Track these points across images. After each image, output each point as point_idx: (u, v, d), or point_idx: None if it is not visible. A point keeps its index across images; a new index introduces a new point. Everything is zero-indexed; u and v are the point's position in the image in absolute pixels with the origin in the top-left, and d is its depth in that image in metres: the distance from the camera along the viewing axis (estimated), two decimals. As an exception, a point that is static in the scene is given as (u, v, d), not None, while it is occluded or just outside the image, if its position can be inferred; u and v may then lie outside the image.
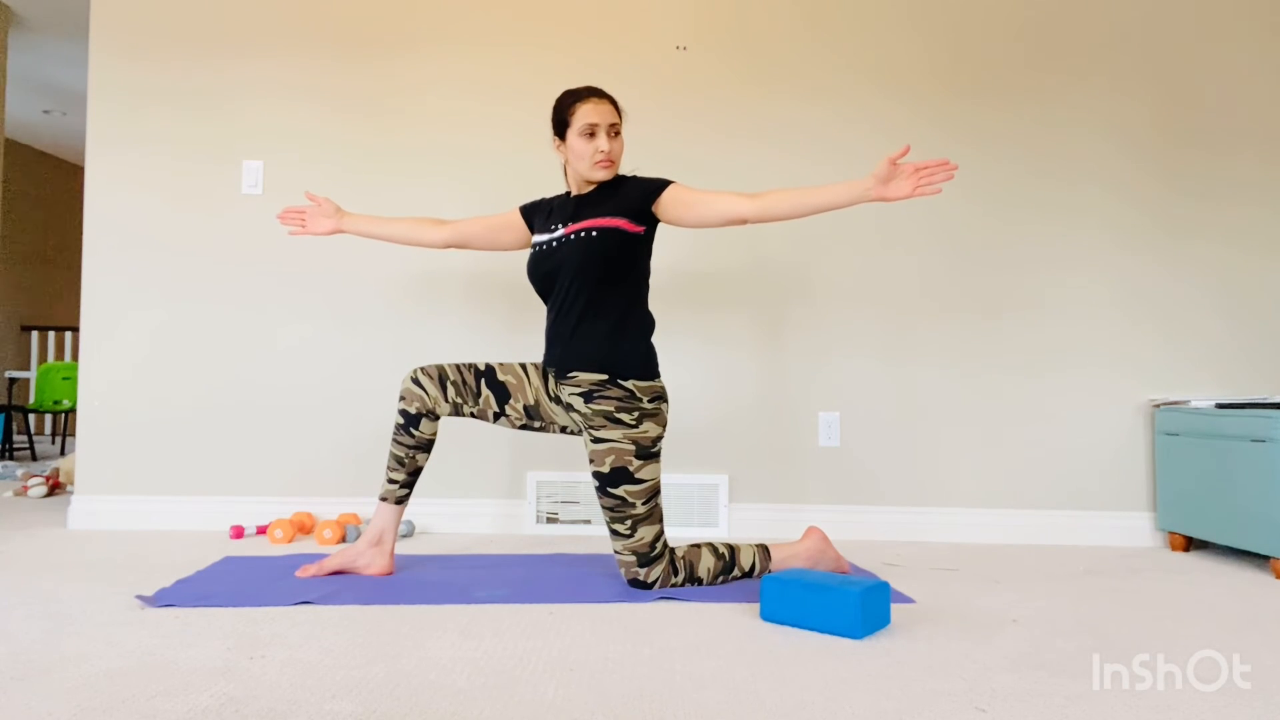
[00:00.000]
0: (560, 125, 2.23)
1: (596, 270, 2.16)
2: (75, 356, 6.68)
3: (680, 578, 2.16)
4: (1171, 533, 2.94)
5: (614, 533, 2.16)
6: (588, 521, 3.02)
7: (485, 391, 2.26)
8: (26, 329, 7.29)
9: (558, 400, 2.28)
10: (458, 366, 2.27)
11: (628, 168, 2.32)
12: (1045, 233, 3.12)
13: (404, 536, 2.85)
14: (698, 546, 2.22)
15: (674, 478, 2.97)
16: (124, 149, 3.08)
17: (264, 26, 3.13)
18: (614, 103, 2.23)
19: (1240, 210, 3.12)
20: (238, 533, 2.84)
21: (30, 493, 3.74)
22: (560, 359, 2.22)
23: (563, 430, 2.31)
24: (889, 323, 3.11)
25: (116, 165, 3.08)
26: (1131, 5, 3.16)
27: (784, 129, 3.13)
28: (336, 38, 3.13)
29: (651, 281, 2.32)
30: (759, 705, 1.39)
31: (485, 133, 3.12)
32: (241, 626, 1.77)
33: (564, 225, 2.24)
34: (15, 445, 6.09)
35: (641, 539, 2.14)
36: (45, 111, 6.65)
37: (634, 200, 2.19)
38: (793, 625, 1.84)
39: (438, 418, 2.24)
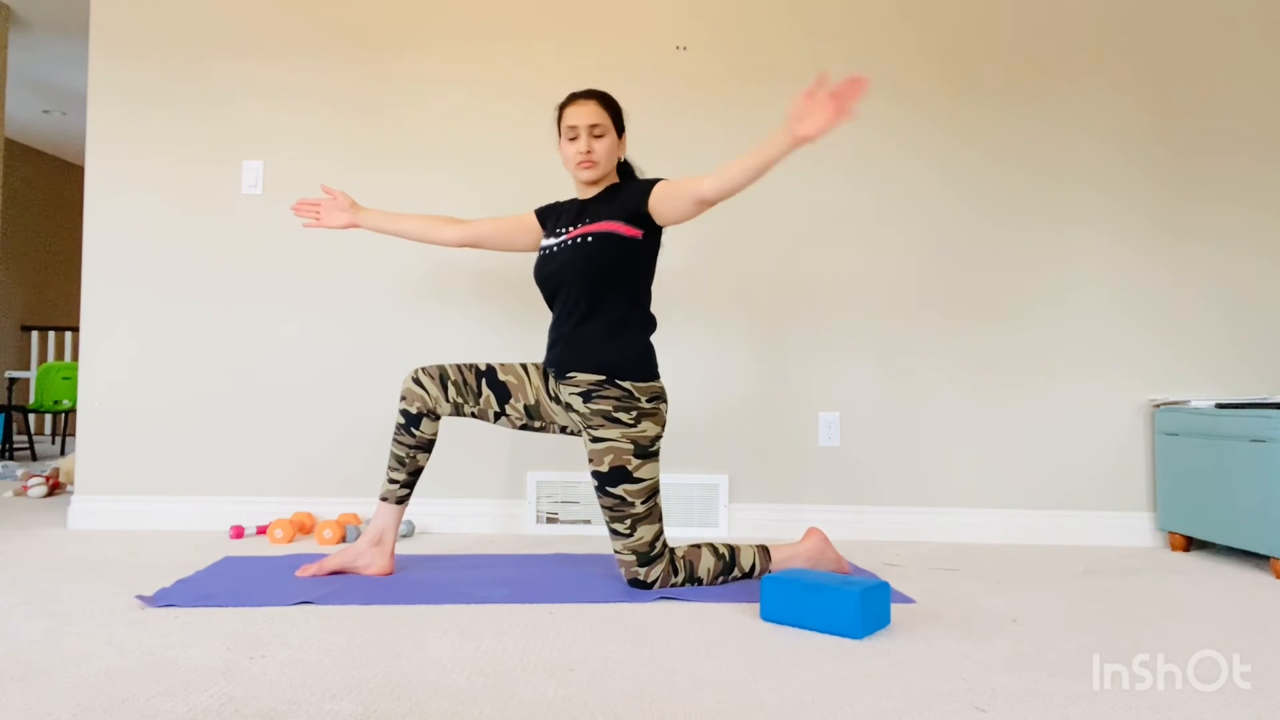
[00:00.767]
0: (557, 133, 2.28)
1: (593, 274, 2.17)
2: (75, 356, 6.68)
3: (680, 578, 2.17)
4: (1171, 533, 2.94)
5: (614, 532, 2.16)
6: (588, 521, 3.02)
7: (486, 391, 2.26)
8: (26, 329, 7.29)
9: (557, 400, 2.28)
10: (459, 367, 2.27)
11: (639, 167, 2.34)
12: (1045, 233, 3.12)
13: (404, 536, 2.85)
14: (698, 547, 2.22)
15: (674, 478, 2.97)
16: (124, 149, 3.08)
17: (264, 26, 3.13)
18: (604, 102, 2.23)
19: (1240, 211, 3.12)
20: (238, 533, 2.84)
21: (30, 493, 3.74)
22: (559, 359, 2.23)
23: (562, 430, 2.31)
24: (889, 323, 3.11)
25: (116, 165, 3.08)
26: (1132, 7, 3.16)
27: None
28: (336, 37, 3.13)
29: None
30: (759, 705, 1.39)
31: (485, 132, 3.12)
32: (241, 626, 1.77)
33: (567, 229, 2.27)
34: (15, 445, 6.09)
35: (641, 538, 2.14)
36: (45, 111, 6.65)
37: (630, 203, 2.20)
38: (793, 625, 1.84)
39: (439, 418, 2.24)
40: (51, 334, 6.80)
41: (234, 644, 1.65)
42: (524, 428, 2.32)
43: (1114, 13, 3.16)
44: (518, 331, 3.05)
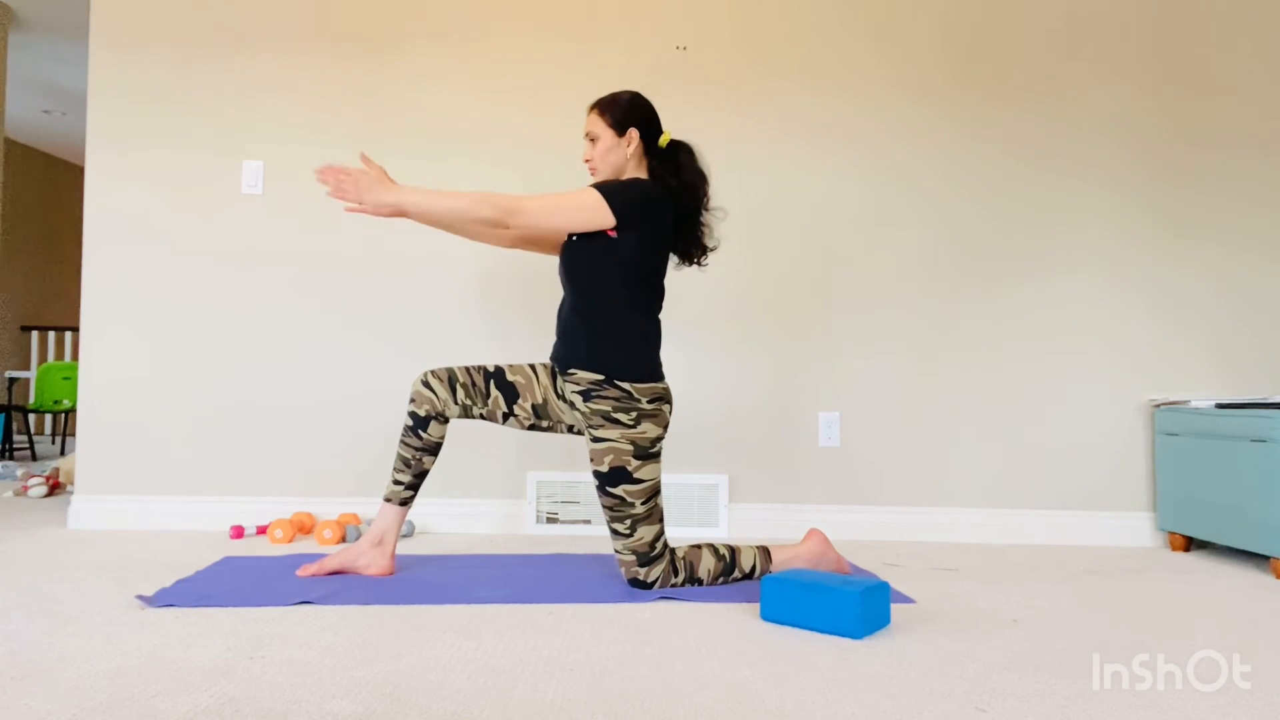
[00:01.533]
0: None
1: (574, 273, 2.24)
2: (75, 356, 6.68)
3: (680, 578, 2.17)
4: (1171, 533, 2.94)
5: (614, 532, 2.16)
6: (588, 521, 3.02)
7: (494, 392, 2.26)
8: (26, 329, 7.29)
9: (563, 397, 2.28)
10: (467, 369, 2.28)
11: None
12: (1046, 232, 3.12)
13: (404, 536, 2.85)
14: (698, 547, 2.22)
15: (674, 478, 2.97)
16: (124, 148, 3.08)
17: (264, 24, 3.12)
18: (599, 108, 2.28)
19: (1242, 210, 3.12)
20: (238, 533, 2.84)
21: (30, 493, 3.74)
22: (560, 354, 2.26)
23: (570, 429, 2.31)
24: (889, 322, 3.11)
25: (116, 165, 3.08)
26: (1135, 3, 3.16)
27: (786, 127, 3.13)
28: (336, 34, 3.13)
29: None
30: (759, 705, 1.39)
31: (486, 131, 3.12)
32: (241, 626, 1.77)
33: None
34: (15, 445, 6.09)
35: (641, 539, 2.14)
36: (45, 111, 6.66)
37: None
38: (793, 625, 1.84)
39: (447, 420, 2.25)
40: (51, 334, 6.80)
41: (234, 644, 1.65)
42: (532, 428, 2.32)
43: (1117, 10, 3.16)
44: (522, 332, 3.04)
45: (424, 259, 3.07)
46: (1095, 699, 1.45)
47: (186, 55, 3.10)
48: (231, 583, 2.16)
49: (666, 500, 2.96)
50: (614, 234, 2.18)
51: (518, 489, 3.06)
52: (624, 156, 2.26)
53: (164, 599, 1.96)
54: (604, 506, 2.17)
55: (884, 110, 3.14)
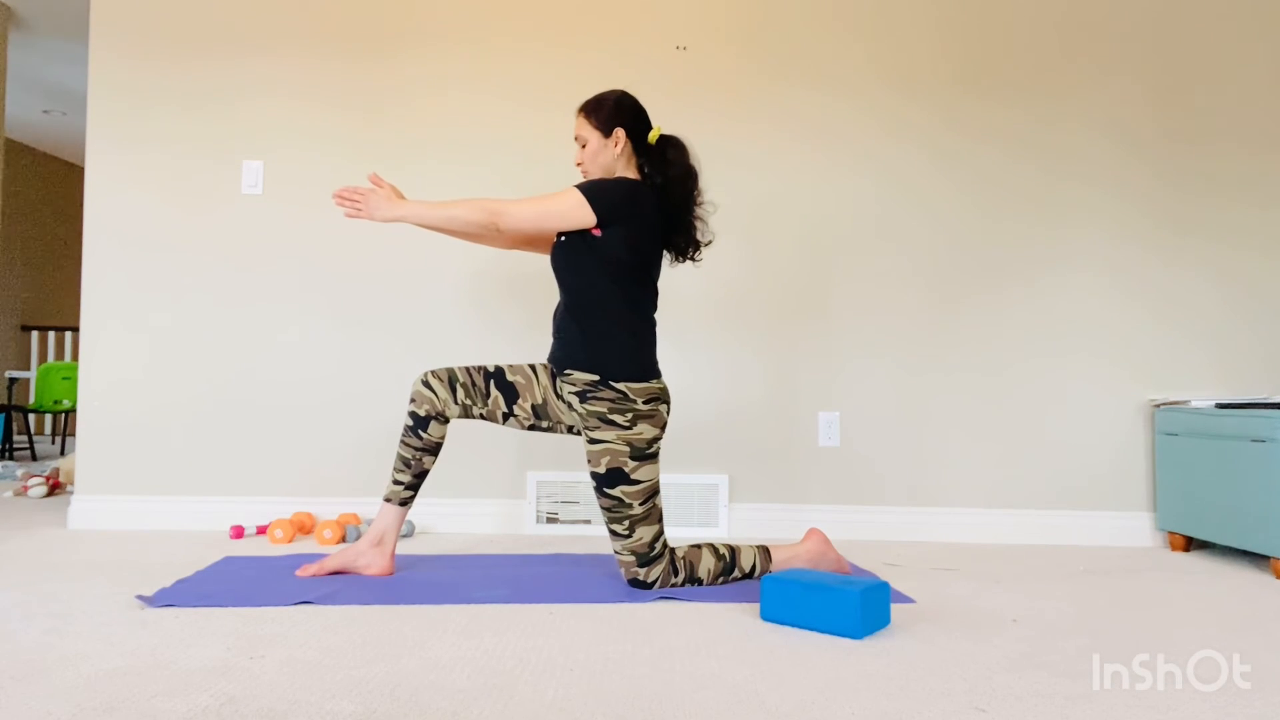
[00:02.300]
0: None
1: (563, 273, 2.26)
2: (75, 356, 6.68)
3: (680, 578, 2.17)
4: (1171, 533, 2.94)
5: (613, 533, 2.16)
6: (588, 521, 3.02)
7: (494, 392, 2.26)
8: (26, 329, 7.29)
9: (562, 398, 2.28)
10: (467, 369, 2.28)
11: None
12: (1045, 231, 3.12)
13: (404, 536, 2.85)
14: (698, 547, 2.22)
15: (674, 478, 2.97)
16: (124, 149, 3.08)
17: (264, 25, 3.12)
18: (585, 110, 2.30)
19: (1241, 209, 3.12)
20: (238, 533, 2.84)
21: (30, 493, 3.74)
22: (556, 355, 2.26)
23: (570, 430, 2.31)
24: (889, 322, 3.11)
25: (116, 165, 3.08)
26: (1137, 5, 3.16)
27: (786, 127, 3.13)
28: (336, 36, 3.13)
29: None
30: (759, 705, 1.39)
31: (486, 131, 3.12)
32: (241, 626, 1.77)
33: None
34: (15, 445, 6.09)
35: (640, 539, 2.14)
36: (45, 111, 6.65)
37: None
38: (793, 625, 1.84)
39: (447, 420, 2.25)
40: (51, 334, 6.80)
41: (234, 644, 1.65)
42: (532, 428, 2.32)
43: (1115, 10, 3.16)
44: (522, 332, 3.04)
45: (424, 259, 3.07)
46: (1095, 699, 1.45)
47: (187, 55, 3.10)
48: (231, 583, 2.16)
49: (666, 500, 2.96)
50: (598, 232, 2.18)
51: (518, 489, 3.06)
52: (612, 156, 2.27)
53: (164, 599, 1.96)
54: (602, 508, 2.17)
55: (884, 110, 3.14)
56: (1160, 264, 3.12)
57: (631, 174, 2.29)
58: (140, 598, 1.96)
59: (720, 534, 3.03)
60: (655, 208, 2.23)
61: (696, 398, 3.05)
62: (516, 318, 3.06)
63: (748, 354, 3.11)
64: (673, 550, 2.20)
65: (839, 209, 3.13)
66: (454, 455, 2.95)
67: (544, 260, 2.65)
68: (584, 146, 2.29)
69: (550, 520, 3.04)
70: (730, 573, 2.22)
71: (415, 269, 3.08)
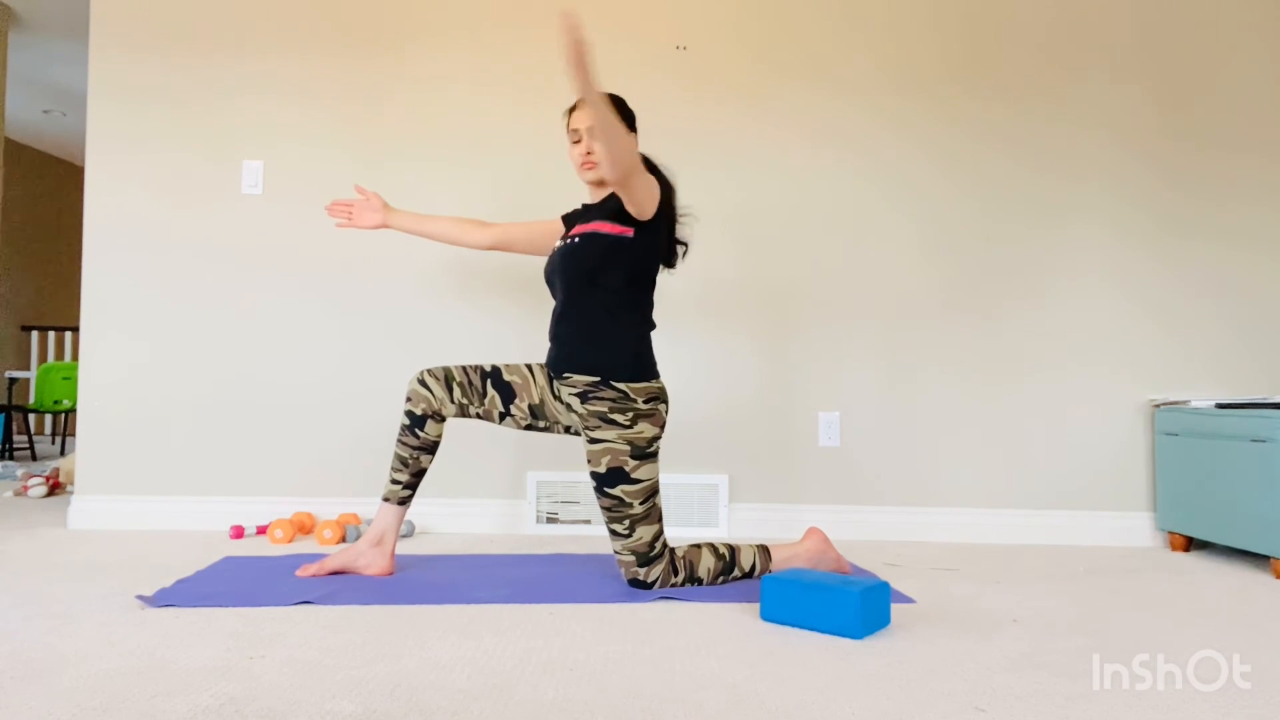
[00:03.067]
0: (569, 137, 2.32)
1: (577, 275, 2.21)
2: (75, 356, 6.68)
3: (680, 578, 2.17)
4: (1171, 533, 2.94)
5: (613, 533, 2.16)
6: (588, 521, 3.02)
7: (491, 392, 2.26)
8: (26, 329, 7.29)
9: (560, 400, 2.28)
10: (464, 368, 2.28)
11: None
12: (1046, 232, 3.12)
13: (404, 536, 2.85)
14: (698, 547, 2.22)
15: (674, 478, 2.97)
16: (124, 149, 3.08)
17: (264, 25, 3.12)
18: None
19: (1242, 210, 3.12)
20: (238, 533, 2.84)
21: (30, 493, 3.74)
22: (555, 359, 2.25)
23: (566, 430, 2.32)
24: (889, 322, 3.11)
25: (116, 165, 3.08)
26: (1137, 6, 3.16)
27: (786, 127, 3.13)
28: (336, 35, 3.13)
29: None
30: (759, 705, 1.39)
31: (486, 130, 3.12)
32: (241, 626, 1.77)
33: (569, 231, 2.32)
34: (15, 445, 6.09)
35: (640, 539, 2.14)
36: (45, 111, 6.65)
37: (614, 201, 2.23)
38: (793, 625, 1.84)
39: (443, 419, 2.25)
40: (51, 334, 6.80)
41: (234, 644, 1.65)
42: (529, 428, 2.32)
43: (1118, 9, 3.16)
44: (521, 331, 3.05)
45: (425, 259, 3.07)
46: (1095, 699, 1.45)
47: (186, 55, 3.10)
48: (231, 583, 2.16)
49: (666, 500, 2.96)
50: (632, 233, 2.17)
51: (518, 489, 3.06)
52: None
53: (164, 599, 1.96)
54: (602, 507, 2.17)
55: (885, 110, 3.14)
56: (1161, 264, 3.11)
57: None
58: (140, 598, 1.96)
59: (720, 534, 3.03)
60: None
61: (697, 398, 3.05)
62: (517, 317, 3.06)
63: (748, 354, 3.11)
64: (673, 550, 2.20)
65: (840, 209, 3.13)
66: (454, 455, 2.95)
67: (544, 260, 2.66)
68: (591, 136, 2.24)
69: (550, 520, 3.04)
70: (730, 572, 2.22)
71: (415, 269, 3.08)
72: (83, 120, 3.35)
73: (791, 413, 3.09)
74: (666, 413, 2.23)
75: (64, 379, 5.98)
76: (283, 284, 3.08)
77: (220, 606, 1.92)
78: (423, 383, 2.23)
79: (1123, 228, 3.12)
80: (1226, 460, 2.68)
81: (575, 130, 2.26)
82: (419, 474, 2.26)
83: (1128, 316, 3.10)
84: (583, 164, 2.26)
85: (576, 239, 2.23)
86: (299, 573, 2.23)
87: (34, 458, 5.69)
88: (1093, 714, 1.38)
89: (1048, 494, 3.06)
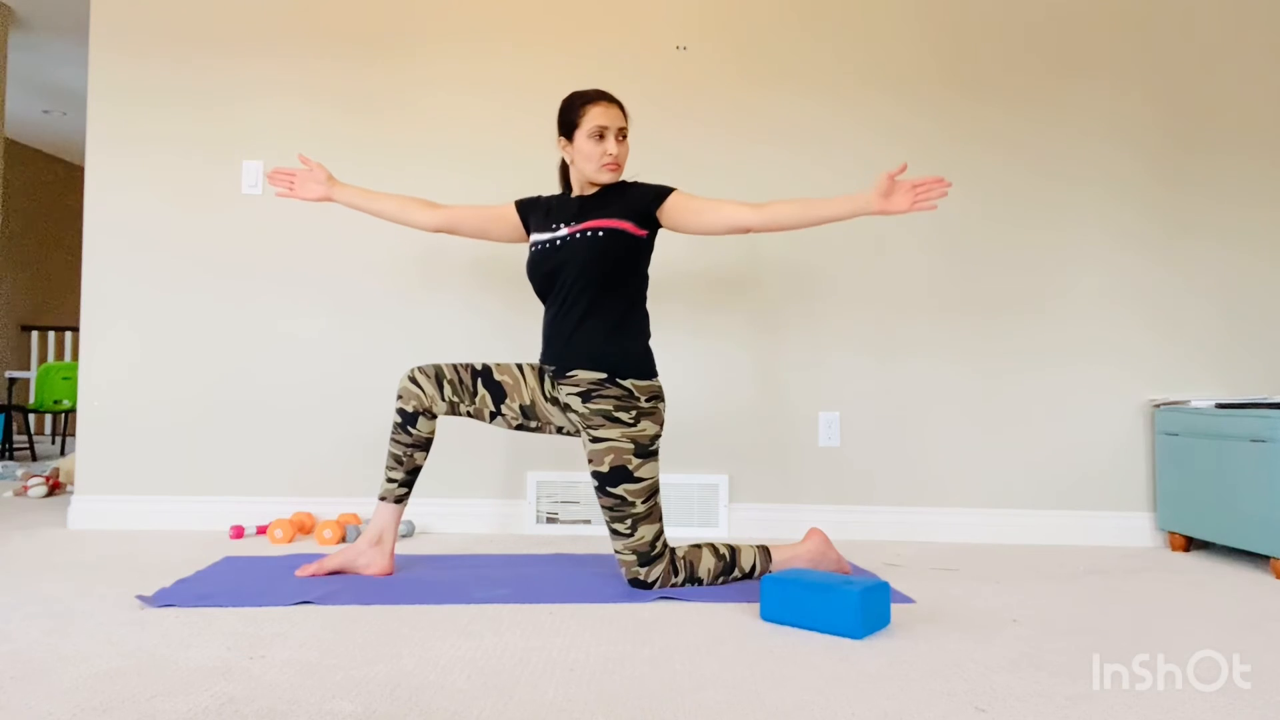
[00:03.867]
0: (568, 126, 2.24)
1: (600, 270, 2.18)
2: (75, 356, 6.68)
3: (680, 578, 2.17)
4: (1171, 533, 2.94)
5: (614, 532, 2.16)
6: (588, 521, 3.02)
7: (482, 391, 2.26)
8: (26, 329, 7.29)
9: (554, 401, 2.28)
10: (455, 366, 2.27)
11: (629, 171, 2.32)
12: (1045, 232, 3.12)
13: (404, 536, 2.85)
14: (698, 547, 2.22)
15: (674, 477, 2.97)
16: (124, 149, 3.08)
17: (264, 26, 3.12)
18: (622, 107, 2.24)
19: (1241, 210, 3.12)
20: (238, 533, 2.84)
21: (30, 493, 3.74)
22: (559, 357, 2.23)
23: (559, 431, 2.32)
24: (889, 322, 3.11)
25: (116, 165, 3.08)
26: (1134, 6, 3.16)
27: (785, 128, 3.13)
28: (336, 37, 3.13)
29: (651, 280, 2.32)
30: (759, 705, 1.39)
31: (486, 131, 3.12)
32: (241, 626, 1.77)
33: (567, 225, 2.25)
34: (15, 445, 6.09)
35: (642, 538, 2.14)
36: (45, 111, 6.65)
37: (638, 204, 2.21)
38: (793, 625, 1.84)
39: (435, 416, 2.24)
40: (51, 334, 6.80)
41: (234, 644, 1.65)
42: (519, 428, 2.32)
43: (1117, 11, 3.16)
44: (518, 330, 3.04)
45: (424, 258, 3.07)
46: (1095, 699, 1.45)
47: (186, 56, 3.10)
48: (231, 583, 2.16)
49: (666, 500, 2.96)
50: (646, 235, 2.21)
51: (517, 489, 3.06)
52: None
53: (164, 599, 1.96)
54: (604, 507, 2.17)
55: (884, 115, 3.14)
56: (1161, 265, 3.11)
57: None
58: (140, 598, 1.96)
59: (720, 534, 3.03)
60: None
61: (697, 398, 3.05)
62: (518, 318, 3.05)
63: (748, 354, 3.11)
64: (673, 550, 2.19)
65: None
66: (454, 455, 2.95)
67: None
68: (623, 140, 2.22)
69: (550, 520, 3.04)
70: (730, 572, 2.22)
71: (415, 268, 3.08)
72: (83, 120, 3.35)
73: (791, 413, 3.09)
74: (664, 411, 2.24)
75: (64, 379, 5.98)
76: (283, 284, 3.08)
77: (220, 606, 1.92)
78: (413, 380, 2.23)
79: (1123, 228, 3.12)
80: (1226, 460, 2.68)
81: (604, 127, 2.17)
82: (414, 472, 2.26)
83: (1127, 317, 3.10)
84: (607, 164, 2.19)
85: (600, 233, 2.17)
86: (299, 573, 2.23)
87: (34, 458, 5.69)
88: (1093, 714, 1.38)
89: (1048, 494, 3.06)
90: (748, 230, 2.19)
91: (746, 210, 2.16)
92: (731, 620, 1.89)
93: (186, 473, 3.02)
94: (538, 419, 2.30)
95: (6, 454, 5.68)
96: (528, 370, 2.31)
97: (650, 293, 2.33)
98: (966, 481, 3.07)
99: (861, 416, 3.09)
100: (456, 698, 1.40)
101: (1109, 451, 3.07)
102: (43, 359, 7.03)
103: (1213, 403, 2.84)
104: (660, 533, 2.17)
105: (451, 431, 2.85)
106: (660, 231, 2.29)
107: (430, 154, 3.11)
